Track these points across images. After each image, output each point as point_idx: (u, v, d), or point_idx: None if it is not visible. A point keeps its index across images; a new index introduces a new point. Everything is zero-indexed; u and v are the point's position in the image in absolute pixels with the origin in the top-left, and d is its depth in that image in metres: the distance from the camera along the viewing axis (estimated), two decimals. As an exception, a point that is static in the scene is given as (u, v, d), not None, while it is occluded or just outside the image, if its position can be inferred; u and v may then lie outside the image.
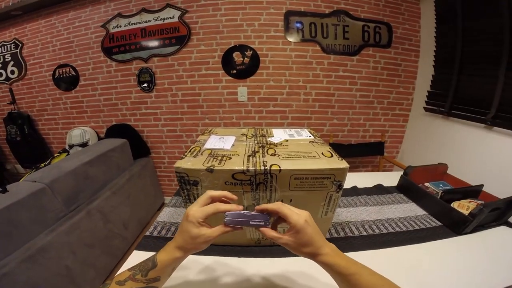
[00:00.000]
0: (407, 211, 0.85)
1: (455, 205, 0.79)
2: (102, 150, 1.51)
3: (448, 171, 1.01)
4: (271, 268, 0.60)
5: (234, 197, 0.42)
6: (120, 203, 1.54)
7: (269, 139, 0.69)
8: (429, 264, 0.62)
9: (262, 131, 0.77)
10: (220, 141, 0.66)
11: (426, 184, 0.96)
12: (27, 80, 2.05)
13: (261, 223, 0.40)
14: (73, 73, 1.95)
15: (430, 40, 1.72)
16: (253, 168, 0.50)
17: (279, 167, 0.50)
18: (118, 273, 0.42)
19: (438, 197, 0.84)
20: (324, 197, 0.56)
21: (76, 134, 1.94)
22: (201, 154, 0.57)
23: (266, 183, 0.52)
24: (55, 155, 1.85)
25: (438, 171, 1.01)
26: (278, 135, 0.73)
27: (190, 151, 0.59)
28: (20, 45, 1.96)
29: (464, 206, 0.78)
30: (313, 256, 0.40)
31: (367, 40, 1.81)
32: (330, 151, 0.59)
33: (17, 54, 1.98)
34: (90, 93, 2.01)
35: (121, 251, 1.56)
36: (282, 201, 0.55)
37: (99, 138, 2.04)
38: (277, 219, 0.43)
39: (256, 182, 0.52)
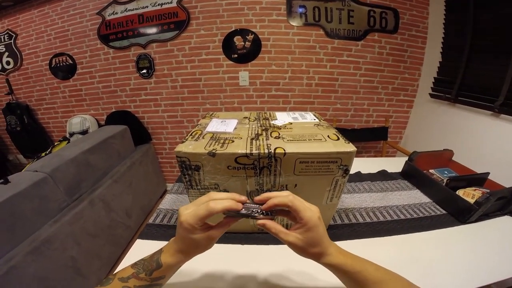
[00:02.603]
0: (412, 198, 0.84)
1: (460, 193, 0.77)
2: (103, 137, 1.50)
3: (453, 158, 0.98)
4: (274, 256, 0.59)
5: (243, 197, 0.37)
6: (122, 191, 1.54)
7: (272, 122, 0.66)
8: (433, 253, 0.60)
9: (265, 115, 0.74)
10: (222, 124, 0.64)
11: (431, 170, 0.94)
12: (23, 70, 2.02)
13: (267, 214, 0.37)
14: (70, 61, 1.92)
15: (438, 27, 1.67)
16: (257, 152, 0.48)
17: (284, 150, 0.48)
18: (119, 268, 0.41)
19: (444, 184, 0.81)
20: (330, 182, 0.54)
21: (76, 122, 1.93)
22: (203, 138, 0.54)
23: (270, 167, 0.50)
24: (56, 144, 1.85)
25: (444, 158, 0.98)
26: (282, 118, 0.70)
27: (191, 135, 0.56)
28: (14, 35, 1.93)
29: (469, 194, 0.76)
30: (319, 257, 0.37)
31: (372, 25, 1.75)
32: (337, 134, 0.57)
33: (11, 44, 1.95)
34: (89, 81, 1.98)
35: (125, 239, 1.57)
36: (286, 187, 0.54)
37: (99, 126, 2.03)
38: (278, 210, 0.39)
39: (260, 166, 0.50)
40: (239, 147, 0.49)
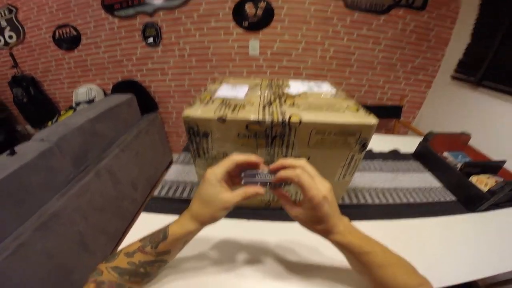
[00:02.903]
0: (422, 181, 0.80)
1: (473, 179, 0.74)
2: (109, 105, 1.46)
3: (469, 143, 0.93)
4: (280, 232, 0.57)
5: (260, 159, 0.36)
6: (128, 162, 1.53)
7: (285, 90, 0.61)
8: (441, 240, 0.59)
9: (278, 82, 0.69)
10: (232, 89, 0.59)
11: (445, 153, 0.89)
12: (27, 43, 1.97)
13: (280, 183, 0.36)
14: (74, 32, 1.86)
15: (471, 7, 1.54)
16: (270, 119, 0.44)
17: (300, 118, 0.44)
18: (124, 243, 0.40)
19: (458, 169, 0.77)
20: (346, 157, 0.50)
21: (82, 92, 1.90)
22: (212, 102, 0.50)
23: (283, 137, 0.46)
24: (62, 113, 1.84)
25: (460, 141, 0.93)
26: (296, 86, 0.65)
27: (200, 99, 0.52)
28: (14, 10, 1.85)
29: (482, 182, 0.72)
30: (325, 234, 0.36)
31: (398, 0, 1.60)
32: (356, 105, 0.52)
33: (12, 19, 1.88)
34: (94, 51, 1.92)
35: (130, 213, 1.56)
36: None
37: (106, 95, 2.00)
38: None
39: (272, 136, 0.46)
40: (251, 113, 0.45)
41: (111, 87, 1.99)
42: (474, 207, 0.67)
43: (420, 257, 0.49)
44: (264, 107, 0.49)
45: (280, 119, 0.44)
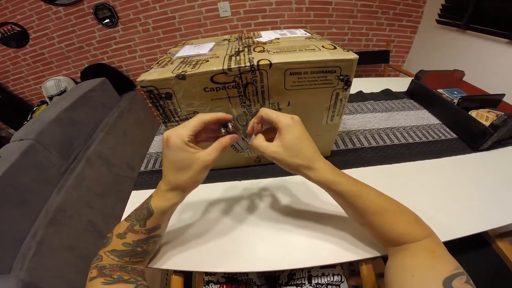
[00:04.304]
0: (419, 118, 0.76)
1: (472, 114, 0.68)
2: (81, 92, 1.37)
3: (464, 79, 0.88)
4: (274, 188, 0.55)
5: (229, 116, 0.34)
6: (117, 143, 1.48)
7: (256, 39, 0.55)
8: (445, 185, 0.54)
9: (249, 34, 0.62)
10: (195, 48, 0.53)
11: (439, 90, 0.84)
12: None
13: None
14: (18, 28, 1.68)
15: None
16: (237, 66, 0.39)
17: (269, 61, 0.39)
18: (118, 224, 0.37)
19: (455, 104, 0.72)
20: (329, 96, 0.46)
21: (51, 85, 1.78)
22: (171, 64, 0.44)
23: (255, 83, 0.41)
24: (35, 109, 1.74)
25: (454, 78, 0.88)
26: (268, 35, 0.58)
27: (157, 63, 0.46)
28: None
29: (483, 116, 0.67)
30: (304, 169, 0.33)
31: None
32: (333, 43, 0.46)
33: None
34: (48, 43, 1.77)
35: None
36: (278, 106, 0.46)
37: (76, 84, 1.88)
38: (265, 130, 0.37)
39: (243, 84, 0.41)
40: (214, 65, 0.40)
41: (79, 75, 1.87)
42: (477, 145, 0.62)
43: (424, 205, 0.47)
44: (231, 57, 0.43)
45: (248, 65, 0.39)
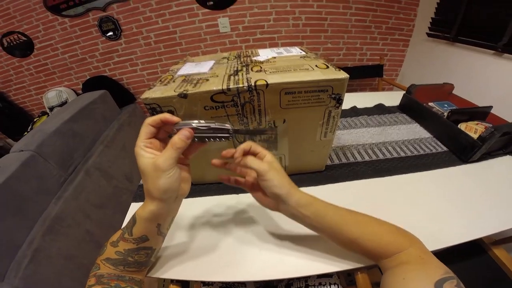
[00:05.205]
0: (411, 132, 0.79)
1: (462, 127, 0.71)
2: (82, 104, 1.39)
3: (454, 92, 0.92)
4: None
5: (176, 118, 0.32)
6: (116, 156, 1.49)
7: (254, 58, 0.58)
8: (437, 196, 0.56)
9: (247, 52, 0.65)
10: (196, 66, 0.56)
11: (430, 103, 0.88)
12: None
13: (226, 127, 0.33)
14: (24, 38, 1.73)
15: None
16: (235, 86, 0.41)
17: (266, 81, 0.42)
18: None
19: (445, 117, 0.75)
20: (322, 114, 0.49)
21: (52, 96, 1.81)
22: (173, 82, 0.47)
23: (252, 102, 0.44)
24: (35, 120, 1.76)
25: (444, 91, 0.92)
26: (265, 54, 0.61)
27: (160, 81, 0.49)
28: None
29: (471, 129, 0.70)
30: (288, 193, 0.36)
31: None
32: (325, 63, 0.50)
33: None
34: (52, 54, 1.81)
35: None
36: (274, 123, 0.48)
37: (77, 95, 1.91)
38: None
39: (241, 103, 0.44)
40: (214, 84, 0.42)
41: (81, 86, 1.90)
42: (467, 157, 0.64)
43: (417, 216, 0.49)
44: (230, 76, 0.46)
45: (246, 85, 0.41)
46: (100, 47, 1.79)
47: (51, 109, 1.82)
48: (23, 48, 1.77)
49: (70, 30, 1.71)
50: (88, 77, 1.90)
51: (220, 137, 0.33)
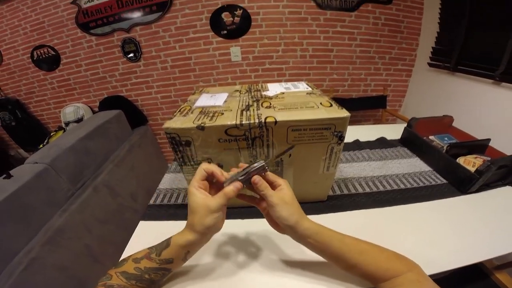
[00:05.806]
0: (411, 166, 0.81)
1: (461, 160, 0.74)
2: (98, 122, 1.46)
3: (453, 124, 0.95)
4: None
5: (222, 177, 0.39)
6: (125, 175, 1.53)
7: (264, 93, 0.64)
8: (436, 224, 0.58)
9: (257, 86, 0.71)
10: (211, 98, 0.61)
11: (430, 137, 0.91)
12: (5, 66, 1.97)
13: (262, 164, 0.39)
14: (53, 52, 1.87)
15: None
16: (247, 122, 0.46)
17: (275, 119, 0.47)
18: (128, 250, 0.42)
19: (444, 151, 0.78)
20: (325, 150, 0.53)
21: (70, 111, 1.90)
22: (191, 113, 0.53)
23: (262, 138, 0.49)
24: (52, 134, 1.84)
25: (444, 124, 0.95)
26: (274, 88, 0.68)
27: (179, 111, 0.55)
28: None
29: (470, 162, 0.72)
30: (297, 221, 0.39)
31: None
32: (329, 101, 0.55)
33: None
34: (75, 70, 1.93)
35: (134, 223, 1.54)
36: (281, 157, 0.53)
37: (94, 113, 2.00)
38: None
39: (252, 137, 0.48)
40: (229, 119, 0.48)
41: (98, 104, 2.00)
42: (465, 189, 0.67)
43: (417, 242, 0.51)
44: (242, 111, 0.51)
45: (257, 121, 0.46)
46: (121, 67, 1.90)
47: (67, 124, 1.91)
48: (50, 62, 1.90)
49: (95, 48, 1.84)
50: (106, 96, 1.99)
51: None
